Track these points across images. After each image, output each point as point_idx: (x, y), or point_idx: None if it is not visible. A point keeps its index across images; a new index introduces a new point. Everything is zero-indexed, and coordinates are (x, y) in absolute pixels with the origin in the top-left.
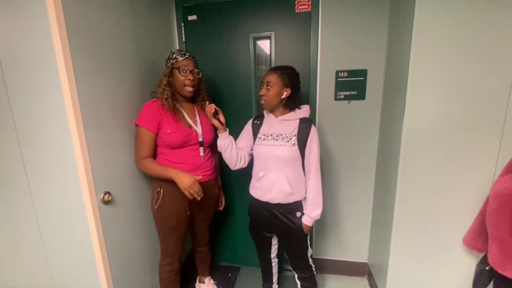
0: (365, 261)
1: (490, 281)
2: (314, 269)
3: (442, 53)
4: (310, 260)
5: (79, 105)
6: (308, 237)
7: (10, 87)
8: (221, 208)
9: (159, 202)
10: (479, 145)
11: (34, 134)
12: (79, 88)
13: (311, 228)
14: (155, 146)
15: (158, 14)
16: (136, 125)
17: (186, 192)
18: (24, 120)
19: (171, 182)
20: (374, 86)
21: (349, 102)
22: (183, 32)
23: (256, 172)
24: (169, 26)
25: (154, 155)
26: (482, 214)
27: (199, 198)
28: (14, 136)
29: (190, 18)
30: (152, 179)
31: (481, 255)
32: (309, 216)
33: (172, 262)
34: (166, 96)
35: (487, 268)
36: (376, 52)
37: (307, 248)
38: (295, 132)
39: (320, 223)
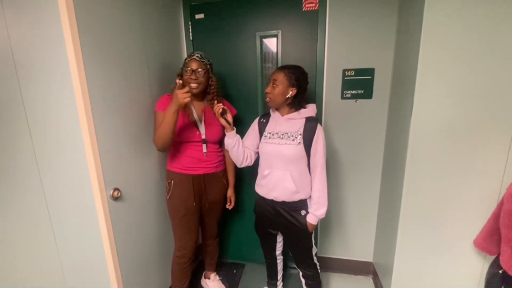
0: (370, 260)
1: (501, 284)
2: (318, 267)
3: (452, 51)
4: (315, 258)
5: (90, 103)
6: (313, 235)
7: (23, 86)
8: (230, 207)
9: (170, 192)
10: (488, 145)
11: (46, 132)
12: (89, 86)
13: (316, 226)
14: None
15: (165, 12)
16: (155, 111)
17: (182, 99)
18: (37, 118)
19: (180, 174)
20: (381, 85)
21: (356, 101)
22: (190, 30)
23: (262, 170)
24: (176, 24)
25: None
26: (496, 216)
27: (186, 93)
28: (27, 133)
29: (197, 16)
30: (166, 173)
31: (491, 258)
32: (314, 214)
33: (184, 255)
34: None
35: (500, 271)
36: (384, 51)
37: (312, 246)
38: (301, 131)
39: (325, 221)
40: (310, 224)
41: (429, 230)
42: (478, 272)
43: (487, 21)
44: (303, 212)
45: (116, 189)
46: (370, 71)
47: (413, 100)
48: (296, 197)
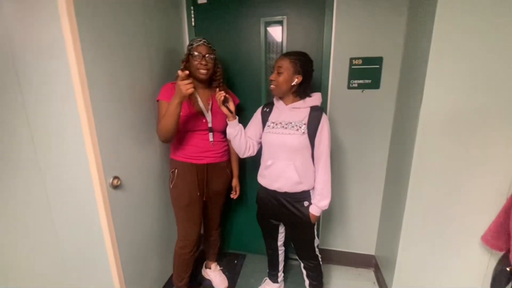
0: (372, 253)
1: (509, 281)
2: (320, 259)
3: (465, 40)
4: (317, 250)
5: (88, 91)
6: (315, 227)
7: (21, 73)
8: (235, 197)
9: (174, 181)
10: (499, 139)
11: (45, 120)
12: (88, 73)
13: (318, 218)
14: None
15: None
16: (158, 101)
17: (185, 91)
18: (35, 106)
19: (184, 163)
20: (389, 74)
21: (363, 91)
22: (192, 16)
23: (265, 161)
24: (178, 10)
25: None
26: (505, 212)
27: (189, 84)
28: (26, 122)
29: (200, 1)
30: (170, 162)
31: (497, 254)
32: (317, 206)
33: (187, 245)
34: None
35: (507, 268)
36: (393, 39)
37: (314, 237)
38: (305, 120)
39: (327, 213)
40: (313, 215)
41: (434, 225)
42: (483, 269)
43: (499, 14)
44: (306, 203)
45: (116, 177)
46: (378, 60)
47: (423, 91)
48: (299, 188)
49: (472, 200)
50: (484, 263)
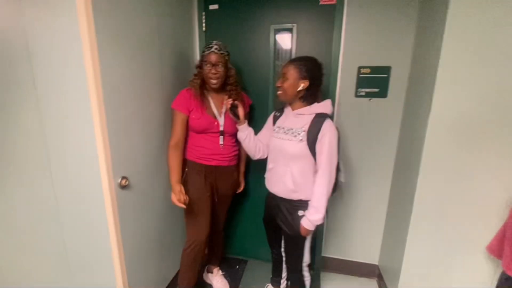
0: (376, 263)
1: None
2: (306, 280)
3: (476, 51)
4: (305, 269)
5: (102, 91)
6: (309, 243)
7: (36, 70)
8: (239, 190)
9: (182, 181)
10: (508, 147)
11: (57, 118)
12: (102, 74)
13: (311, 232)
14: (187, 129)
15: (179, 2)
16: (172, 108)
17: (175, 200)
18: (48, 105)
19: (194, 163)
20: (397, 84)
21: (370, 99)
22: (203, 21)
23: (268, 164)
24: (189, 15)
25: (185, 138)
26: None
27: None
28: (38, 120)
29: (211, 7)
30: None
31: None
32: (308, 219)
33: (195, 247)
34: (195, 85)
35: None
36: (402, 49)
37: (302, 253)
38: (306, 127)
39: (331, 221)
40: (304, 228)
41: (440, 234)
42: (489, 279)
43: (510, 23)
44: (300, 212)
45: (124, 177)
46: (386, 69)
47: (432, 100)
48: (294, 196)
49: (479, 209)
50: (489, 273)
